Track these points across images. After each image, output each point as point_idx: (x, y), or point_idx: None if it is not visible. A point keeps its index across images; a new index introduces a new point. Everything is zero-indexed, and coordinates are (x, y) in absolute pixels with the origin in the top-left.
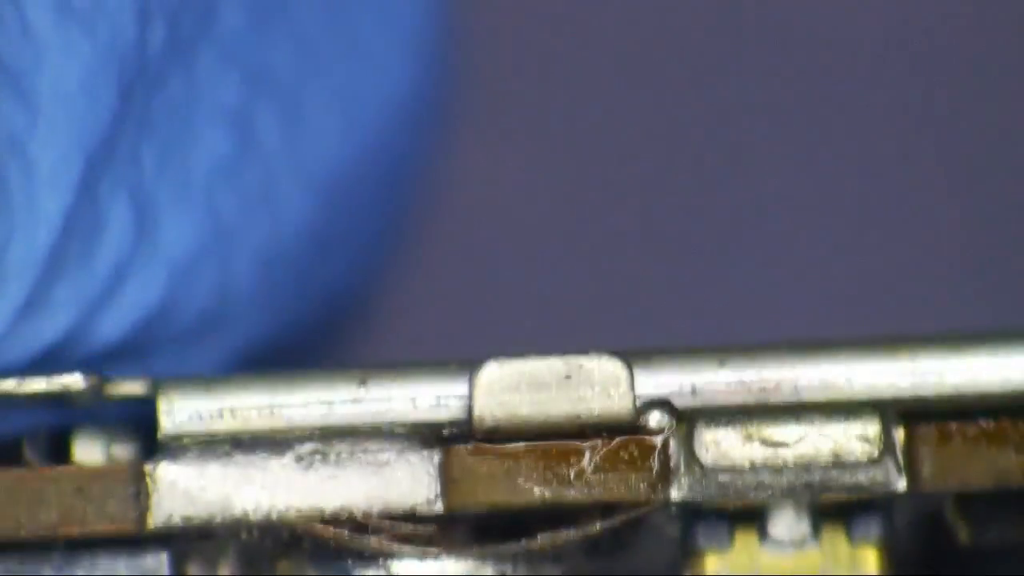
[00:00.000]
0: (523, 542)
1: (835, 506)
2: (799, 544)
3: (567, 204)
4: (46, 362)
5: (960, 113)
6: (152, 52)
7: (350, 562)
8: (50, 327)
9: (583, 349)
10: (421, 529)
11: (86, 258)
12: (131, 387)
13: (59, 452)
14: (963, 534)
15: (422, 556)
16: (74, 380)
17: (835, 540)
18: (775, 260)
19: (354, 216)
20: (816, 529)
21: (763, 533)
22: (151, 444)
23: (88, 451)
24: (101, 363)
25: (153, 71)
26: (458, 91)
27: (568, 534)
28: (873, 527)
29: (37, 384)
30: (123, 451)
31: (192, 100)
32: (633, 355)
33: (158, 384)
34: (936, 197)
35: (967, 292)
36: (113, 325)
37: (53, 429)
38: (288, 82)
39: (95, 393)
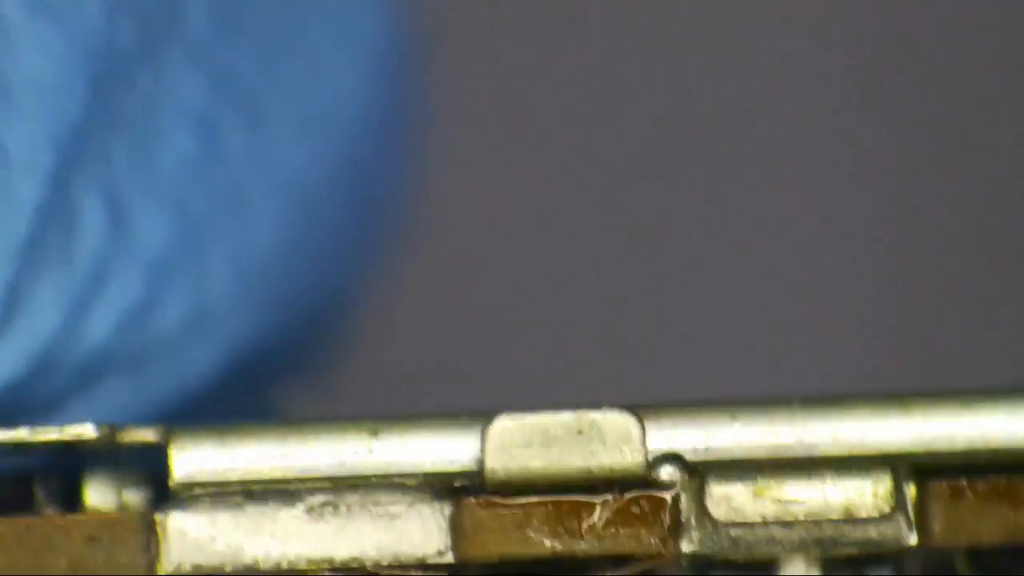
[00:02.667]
0: None
1: (846, 558)
2: None
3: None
4: (41, 369)
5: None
6: (121, 49)
7: None
8: (39, 326)
9: (595, 404)
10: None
11: (65, 254)
12: (143, 435)
13: (71, 494)
14: None
15: None
16: (86, 430)
17: None
18: (783, 312)
19: (324, 222)
20: None
21: None
22: (162, 488)
23: (100, 495)
24: (94, 371)
25: (122, 69)
26: (435, 101)
27: None
28: None
29: (49, 434)
30: (135, 496)
31: (160, 100)
32: (644, 410)
33: (170, 432)
34: (947, 248)
35: (977, 347)
36: (100, 325)
37: (65, 470)
38: (251, 88)
39: (107, 441)
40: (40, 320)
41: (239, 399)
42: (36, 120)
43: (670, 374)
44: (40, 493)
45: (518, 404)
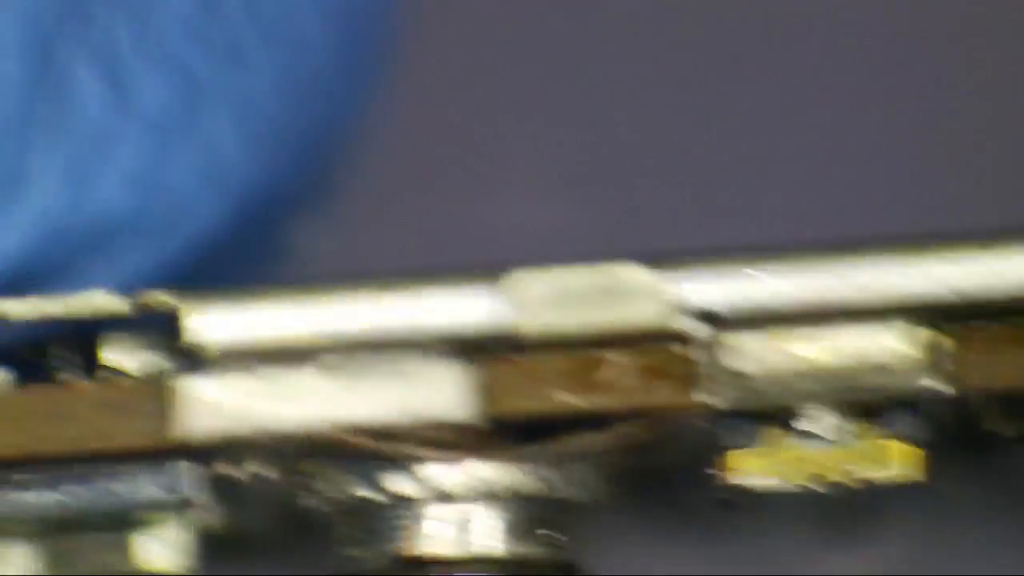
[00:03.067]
0: (552, 445)
1: (867, 406)
2: (827, 439)
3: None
4: (51, 237)
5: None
6: None
7: (376, 464)
8: (44, 196)
9: (616, 258)
10: (446, 434)
11: (64, 125)
12: (156, 300)
13: (87, 357)
14: (1008, 429)
15: (449, 461)
16: (104, 299)
17: (861, 434)
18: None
19: (320, 65)
20: (842, 424)
21: (789, 429)
22: (176, 351)
23: (115, 359)
24: (105, 234)
25: None
26: None
27: (596, 438)
28: (897, 421)
29: (69, 305)
30: (149, 360)
31: None
32: (663, 263)
33: (183, 296)
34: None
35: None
36: (107, 190)
37: (80, 334)
38: None
39: (121, 308)
40: (44, 190)
41: (250, 248)
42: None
43: (684, 221)
44: (56, 357)
45: (531, 259)
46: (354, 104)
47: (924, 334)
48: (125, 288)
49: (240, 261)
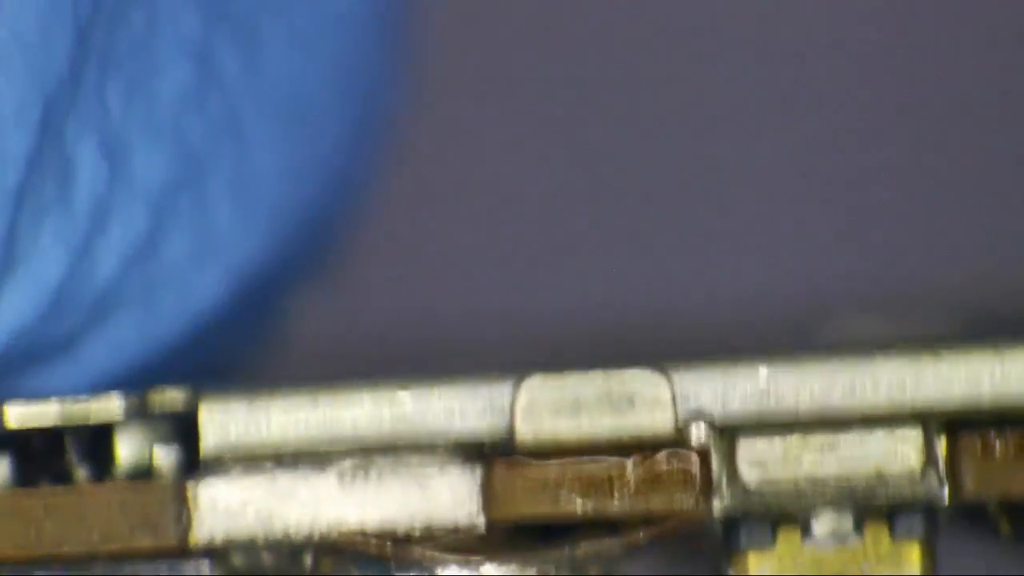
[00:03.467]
0: (567, 550)
1: (877, 512)
2: (842, 540)
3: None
4: (49, 312)
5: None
6: None
7: (394, 564)
8: (43, 271)
9: (623, 362)
10: (464, 537)
11: (64, 199)
12: (171, 400)
13: (101, 446)
14: (1005, 528)
15: (465, 563)
16: (112, 404)
17: (878, 535)
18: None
19: (322, 142)
20: (859, 525)
21: (806, 530)
22: (193, 444)
23: (130, 450)
24: (103, 308)
25: (113, 7)
26: (429, 17)
27: (611, 543)
28: (915, 524)
29: (76, 414)
30: (166, 453)
31: (154, 34)
32: (673, 367)
33: (198, 396)
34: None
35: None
36: (105, 264)
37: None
38: (244, 11)
39: (135, 410)
40: (43, 265)
41: (247, 323)
42: (22, 75)
43: (693, 325)
44: (71, 446)
45: (539, 361)
46: (357, 183)
47: (942, 441)
48: (123, 365)
49: (238, 337)
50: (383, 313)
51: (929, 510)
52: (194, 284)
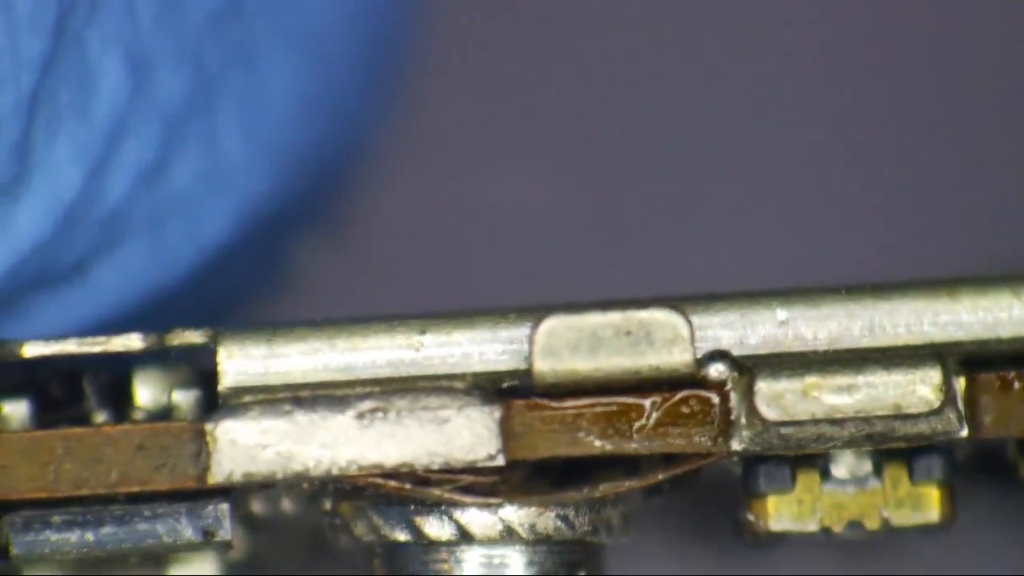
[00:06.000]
0: (585, 491)
1: (896, 450)
2: (861, 483)
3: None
4: (64, 228)
5: None
6: None
7: (412, 507)
8: (59, 183)
9: (642, 302)
10: (483, 478)
11: (83, 112)
12: (191, 339)
13: (120, 389)
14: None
15: (484, 505)
16: (133, 340)
17: (897, 478)
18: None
19: (335, 77)
20: (878, 468)
21: (825, 473)
22: (211, 385)
23: (149, 393)
24: (114, 231)
25: None
26: None
27: (631, 483)
28: (935, 466)
29: (96, 345)
30: (184, 395)
31: None
32: (692, 307)
33: (218, 336)
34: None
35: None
36: (118, 183)
37: (113, 366)
38: None
39: (155, 348)
40: (60, 178)
41: (255, 257)
42: None
43: (709, 265)
44: (90, 391)
45: (559, 301)
46: (370, 123)
47: (960, 380)
48: (134, 295)
49: (248, 276)
50: (396, 268)
51: (948, 453)
52: (202, 213)
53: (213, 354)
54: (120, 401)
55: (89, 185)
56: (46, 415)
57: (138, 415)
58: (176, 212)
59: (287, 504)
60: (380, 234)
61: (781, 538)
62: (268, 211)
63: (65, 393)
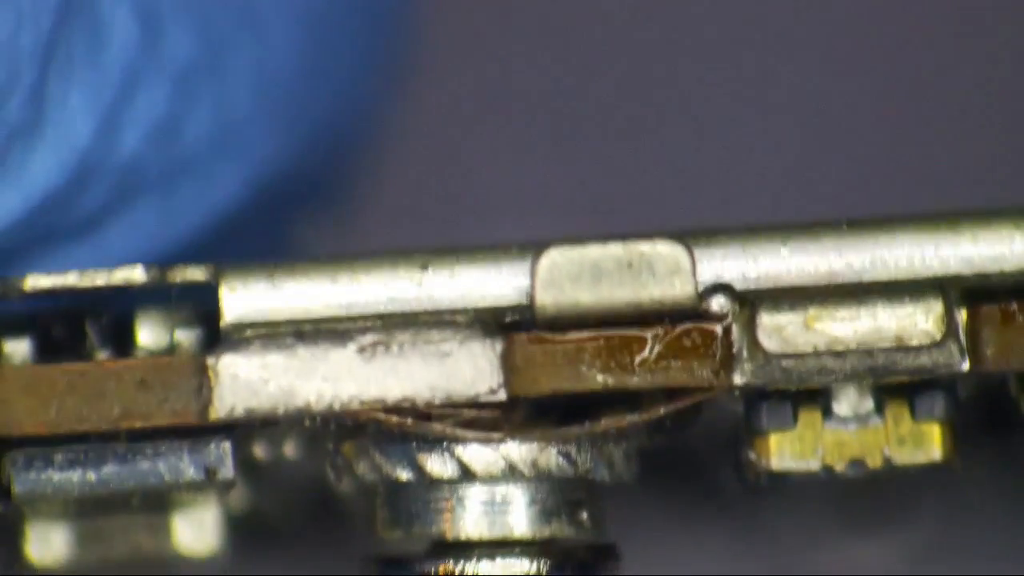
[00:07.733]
0: (587, 426)
1: (899, 383)
2: (863, 421)
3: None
4: (77, 179)
5: None
6: None
7: (414, 445)
8: (72, 133)
9: (644, 233)
10: (484, 414)
11: (95, 62)
12: (193, 274)
13: (122, 332)
14: None
15: (486, 441)
16: (135, 272)
17: (899, 416)
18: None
19: (342, 45)
20: (880, 406)
21: (827, 411)
22: (213, 326)
23: (151, 334)
24: (126, 186)
25: None
26: None
27: (632, 418)
28: (937, 403)
29: (98, 278)
30: (186, 335)
31: None
32: (694, 239)
33: (220, 271)
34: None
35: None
36: (130, 137)
37: (116, 308)
38: None
39: (157, 283)
40: (72, 126)
41: (262, 230)
42: None
43: (711, 198)
44: (91, 332)
45: (553, 232)
46: (375, 102)
47: (962, 312)
48: (144, 253)
49: (257, 242)
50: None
51: (950, 390)
52: (213, 175)
53: (215, 290)
54: (122, 341)
55: (101, 137)
56: (48, 356)
57: (140, 355)
58: (187, 173)
59: (289, 449)
60: (383, 213)
61: (783, 478)
62: (276, 182)
63: (67, 335)
